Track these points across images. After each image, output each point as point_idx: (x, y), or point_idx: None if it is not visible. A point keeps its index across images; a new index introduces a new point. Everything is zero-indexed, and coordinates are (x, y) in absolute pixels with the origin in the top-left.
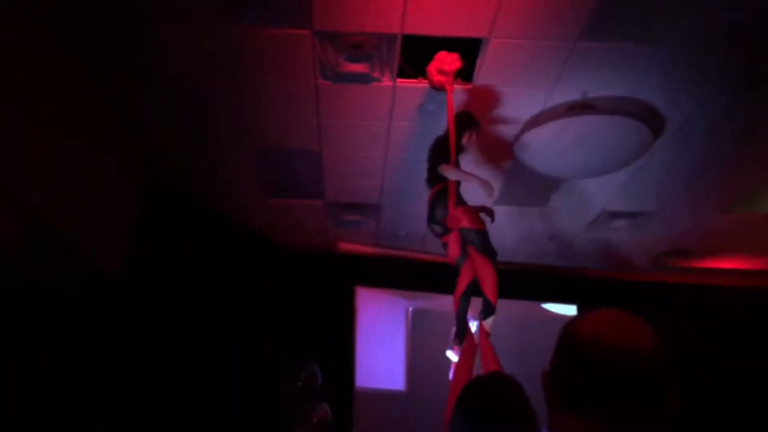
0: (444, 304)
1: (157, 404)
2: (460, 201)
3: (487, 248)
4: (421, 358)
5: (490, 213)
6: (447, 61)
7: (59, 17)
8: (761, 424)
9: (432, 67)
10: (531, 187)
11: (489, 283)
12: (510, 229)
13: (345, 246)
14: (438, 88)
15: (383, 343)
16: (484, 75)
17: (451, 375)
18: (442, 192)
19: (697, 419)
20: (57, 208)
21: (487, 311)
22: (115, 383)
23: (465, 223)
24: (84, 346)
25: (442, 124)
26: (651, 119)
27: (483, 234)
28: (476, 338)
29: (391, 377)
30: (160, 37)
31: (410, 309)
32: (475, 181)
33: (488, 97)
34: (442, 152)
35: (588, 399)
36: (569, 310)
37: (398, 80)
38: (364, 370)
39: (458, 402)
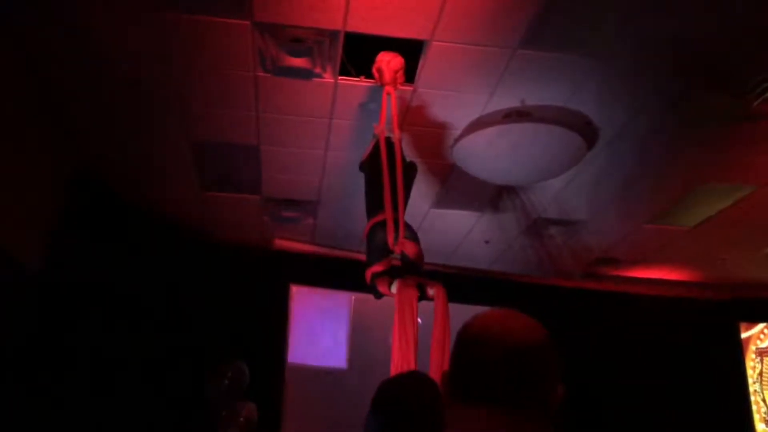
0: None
1: (81, 402)
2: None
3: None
4: (362, 340)
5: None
6: (393, 62)
7: None
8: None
9: (381, 66)
10: (469, 191)
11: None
12: (447, 233)
13: (281, 243)
14: (385, 84)
15: (327, 324)
16: (425, 77)
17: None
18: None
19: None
20: None
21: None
22: (38, 380)
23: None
24: (5, 342)
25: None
26: (585, 130)
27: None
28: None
29: (334, 355)
30: (89, 21)
31: (353, 297)
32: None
33: (429, 100)
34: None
35: (471, 387)
36: None
37: (340, 78)
38: (307, 349)
39: (374, 401)
